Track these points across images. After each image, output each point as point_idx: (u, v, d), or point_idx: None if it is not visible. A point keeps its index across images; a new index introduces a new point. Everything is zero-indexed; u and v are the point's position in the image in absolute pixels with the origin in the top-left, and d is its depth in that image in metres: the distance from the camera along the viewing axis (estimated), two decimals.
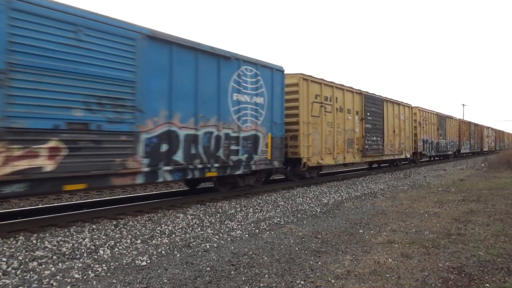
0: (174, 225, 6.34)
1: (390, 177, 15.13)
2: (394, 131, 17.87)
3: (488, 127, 45.03)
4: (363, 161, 15.44)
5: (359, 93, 15.15)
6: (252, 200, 9.04)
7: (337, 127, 13.36)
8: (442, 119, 26.42)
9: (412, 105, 20.90)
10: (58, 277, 3.91)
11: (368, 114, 15.55)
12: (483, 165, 21.22)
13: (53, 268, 4.20)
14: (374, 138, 15.95)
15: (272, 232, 5.85)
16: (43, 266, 4.29)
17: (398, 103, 18.64)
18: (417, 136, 21.45)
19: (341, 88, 13.84)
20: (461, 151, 31.83)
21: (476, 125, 38.26)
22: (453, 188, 11.11)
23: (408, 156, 19.93)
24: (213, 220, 6.78)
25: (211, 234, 5.76)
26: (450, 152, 28.50)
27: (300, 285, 3.65)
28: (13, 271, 4.09)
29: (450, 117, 28.78)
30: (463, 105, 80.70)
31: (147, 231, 5.91)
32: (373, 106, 15.98)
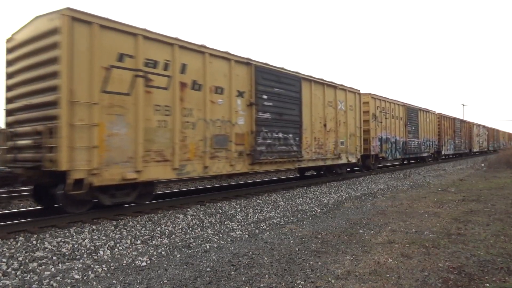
0: (174, 225, 6.34)
1: (390, 177, 15.13)
2: (324, 125, 12.42)
3: (479, 125, 39.32)
4: (253, 170, 9.79)
5: (245, 63, 9.45)
6: (252, 200, 9.04)
7: (186, 115, 7.83)
8: (412, 112, 20.72)
9: (361, 91, 15.21)
10: (58, 278, 3.91)
11: (265, 97, 9.93)
12: (482, 165, 21.23)
13: (53, 269, 4.21)
14: (280, 135, 10.36)
15: (272, 233, 5.85)
16: (43, 266, 4.30)
17: (334, 86, 13.03)
18: (371, 134, 16.04)
19: (200, 50, 8.22)
20: (442, 153, 26.39)
21: (463, 121, 32.75)
22: (453, 188, 11.11)
23: (354, 160, 14.30)
24: (213, 221, 6.78)
25: (211, 235, 5.76)
26: (425, 154, 22.92)
27: (300, 285, 3.65)
28: (13, 271, 4.10)
29: (426, 111, 22.95)
30: (463, 105, 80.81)
31: (147, 231, 5.91)
32: (277, 86, 10.38)
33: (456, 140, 29.72)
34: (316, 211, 7.76)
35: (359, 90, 14.96)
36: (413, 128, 20.68)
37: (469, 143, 34.63)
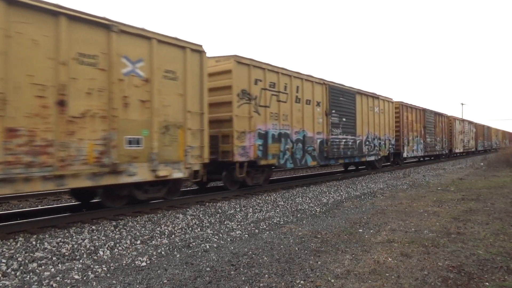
0: (173, 225, 6.34)
1: (389, 177, 15.14)
2: (60, 104, 5.95)
3: (463, 120, 32.65)
4: None
5: None
6: (252, 200, 9.04)
7: None
8: (343, 96, 13.86)
9: (206, 52, 8.45)
10: (58, 278, 3.91)
11: None
12: (482, 164, 21.25)
13: (52, 269, 4.20)
14: None
15: (272, 232, 5.85)
16: (43, 267, 4.29)
17: (105, 25, 6.63)
18: (235, 125, 9.30)
19: None
20: (404, 155, 19.80)
21: (439, 114, 25.52)
22: (452, 187, 11.12)
23: (178, 174, 7.85)
24: (212, 221, 6.79)
25: (210, 235, 5.76)
26: (372, 158, 16.13)
27: (300, 285, 3.65)
28: (12, 272, 4.09)
29: (373, 96, 16.09)
30: (462, 104, 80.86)
31: (147, 231, 5.91)
32: None
33: (428, 138, 23.10)
34: (316, 210, 7.76)
35: (200, 46, 8.19)
36: (344, 119, 13.90)
37: (449, 142, 28.08)
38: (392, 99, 18.35)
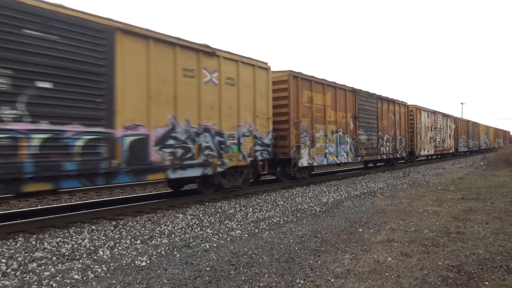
0: (173, 225, 6.34)
1: (389, 176, 15.14)
2: None
3: (435, 112, 24.39)
4: None
5: None
6: (252, 199, 9.04)
7: None
8: (51, 29, 5.50)
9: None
10: (57, 278, 3.91)
11: None
12: (482, 163, 21.26)
13: (52, 269, 4.20)
14: None
15: (272, 232, 5.85)
16: (43, 267, 4.29)
17: None
18: None
19: None
20: (303, 163, 11.45)
21: (390, 101, 17.47)
22: (452, 187, 11.12)
23: None
24: (212, 220, 6.78)
25: (210, 234, 5.76)
26: (197, 172, 8.12)
27: (300, 285, 3.65)
28: (12, 272, 4.09)
29: (200, 51, 8.05)
30: (462, 103, 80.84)
31: (147, 231, 5.91)
32: None
33: (363, 136, 15.12)
34: (316, 210, 7.76)
35: None
36: (48, 85, 5.60)
37: (409, 141, 20.35)
38: (267, 63, 10.21)
